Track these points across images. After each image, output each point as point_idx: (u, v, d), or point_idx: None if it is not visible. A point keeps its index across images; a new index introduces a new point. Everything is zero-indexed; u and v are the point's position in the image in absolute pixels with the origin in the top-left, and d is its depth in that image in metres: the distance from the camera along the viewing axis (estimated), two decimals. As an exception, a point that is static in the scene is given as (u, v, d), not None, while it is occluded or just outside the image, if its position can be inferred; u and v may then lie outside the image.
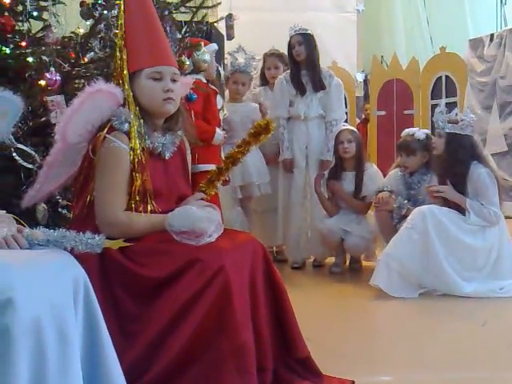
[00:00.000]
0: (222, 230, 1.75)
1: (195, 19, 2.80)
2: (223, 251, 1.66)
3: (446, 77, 5.62)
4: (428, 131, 3.59)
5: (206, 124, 3.10)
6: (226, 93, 3.82)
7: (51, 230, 1.37)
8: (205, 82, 3.17)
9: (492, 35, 6.38)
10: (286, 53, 3.91)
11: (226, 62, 4.42)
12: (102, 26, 2.28)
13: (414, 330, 2.51)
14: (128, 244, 1.56)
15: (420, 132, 3.46)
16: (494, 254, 3.05)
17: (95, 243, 1.38)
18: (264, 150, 3.73)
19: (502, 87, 6.15)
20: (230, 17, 3.50)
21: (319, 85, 3.72)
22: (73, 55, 2.28)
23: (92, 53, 2.30)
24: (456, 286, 2.96)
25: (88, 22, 2.37)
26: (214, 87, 3.31)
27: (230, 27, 3.48)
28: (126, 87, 1.78)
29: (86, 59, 2.29)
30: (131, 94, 1.78)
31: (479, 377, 2.01)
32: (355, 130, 3.79)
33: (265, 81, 4.04)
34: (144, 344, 1.60)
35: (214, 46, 3.16)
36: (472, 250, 3.02)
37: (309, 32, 3.73)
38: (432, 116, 4.84)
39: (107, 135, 1.73)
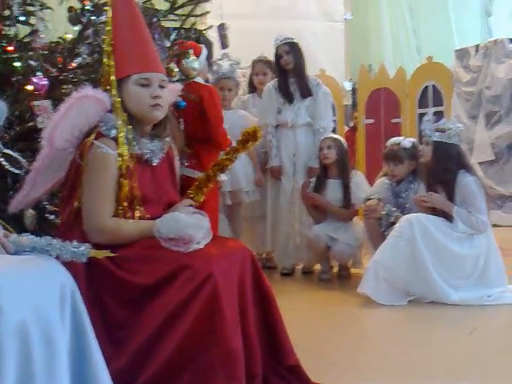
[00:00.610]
0: (210, 237, 1.74)
1: (184, 26, 2.80)
2: (212, 258, 1.65)
3: (433, 86, 5.68)
4: (414, 140, 3.61)
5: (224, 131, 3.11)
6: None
7: (37, 237, 1.36)
8: (203, 83, 3.17)
9: (477, 46, 6.46)
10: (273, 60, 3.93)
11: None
12: (90, 31, 2.27)
13: (402, 337, 2.51)
14: (113, 255, 1.54)
15: (406, 141, 3.48)
16: (481, 262, 3.05)
17: (80, 252, 1.37)
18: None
19: (488, 97, 6.22)
20: (222, 26, 3.51)
21: (307, 92, 3.74)
22: (60, 60, 2.27)
23: (80, 58, 2.29)
24: (444, 294, 2.97)
25: (76, 28, 2.36)
26: None
27: (224, 36, 3.49)
28: (114, 93, 1.77)
29: (73, 64, 2.28)
30: (119, 100, 1.77)
31: (468, 384, 2.02)
32: (339, 138, 3.80)
33: (253, 88, 4.05)
34: (132, 351, 1.59)
35: (204, 50, 3.18)
36: (459, 257, 3.03)
37: (295, 41, 3.76)
38: (419, 125, 4.89)
39: (94, 141, 1.72)
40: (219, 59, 3.71)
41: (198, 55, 3.11)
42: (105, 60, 1.81)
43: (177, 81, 2.61)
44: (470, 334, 2.51)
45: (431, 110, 5.26)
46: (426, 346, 2.39)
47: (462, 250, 3.03)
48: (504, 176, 6.03)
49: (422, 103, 5.70)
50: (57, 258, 1.35)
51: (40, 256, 1.33)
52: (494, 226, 4.26)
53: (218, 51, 4.03)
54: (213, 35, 3.76)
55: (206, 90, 3.07)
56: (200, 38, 3.44)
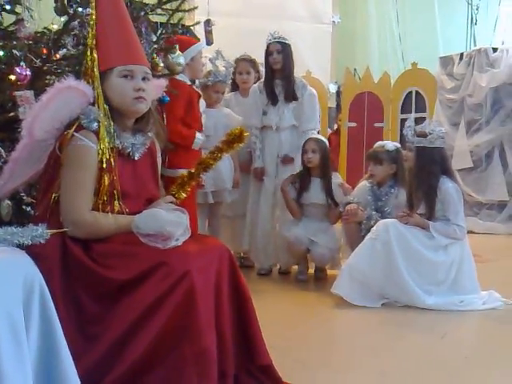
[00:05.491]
0: (189, 234, 1.74)
1: (171, 21, 2.79)
2: (189, 255, 1.66)
3: (416, 92, 5.74)
4: (398, 144, 3.64)
5: (186, 129, 3.08)
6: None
7: None
8: (189, 83, 3.15)
9: (462, 54, 6.54)
10: (258, 60, 3.93)
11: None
12: (76, 23, 2.25)
13: (375, 340, 2.54)
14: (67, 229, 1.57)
15: (390, 144, 3.52)
16: (454, 270, 3.07)
17: (39, 235, 1.41)
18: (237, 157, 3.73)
19: (470, 105, 6.30)
20: (208, 22, 3.50)
21: (291, 96, 3.74)
22: (45, 51, 2.24)
23: (64, 49, 2.26)
24: (417, 298, 3.00)
25: (62, 19, 2.33)
26: (197, 90, 3.29)
27: (208, 32, 3.48)
28: (97, 86, 1.76)
29: (58, 56, 2.25)
30: (101, 92, 1.76)
31: (437, 388, 2.05)
32: (322, 139, 3.78)
33: (236, 86, 4.04)
34: (105, 346, 1.58)
35: (200, 46, 3.18)
36: (432, 264, 3.05)
37: (287, 42, 3.75)
38: (401, 130, 4.93)
39: (75, 133, 1.70)
40: (214, 58, 3.67)
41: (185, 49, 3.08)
42: (88, 53, 1.80)
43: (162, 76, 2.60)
44: (442, 338, 2.55)
45: (413, 115, 5.32)
46: (396, 349, 2.42)
47: (436, 257, 3.06)
48: (481, 184, 6.12)
49: (405, 108, 5.76)
50: (28, 247, 1.35)
51: (7, 248, 1.32)
52: (470, 232, 4.33)
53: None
54: (201, 32, 3.75)
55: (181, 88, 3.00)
56: (187, 34, 3.43)
